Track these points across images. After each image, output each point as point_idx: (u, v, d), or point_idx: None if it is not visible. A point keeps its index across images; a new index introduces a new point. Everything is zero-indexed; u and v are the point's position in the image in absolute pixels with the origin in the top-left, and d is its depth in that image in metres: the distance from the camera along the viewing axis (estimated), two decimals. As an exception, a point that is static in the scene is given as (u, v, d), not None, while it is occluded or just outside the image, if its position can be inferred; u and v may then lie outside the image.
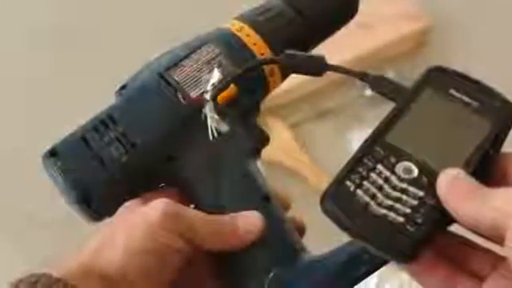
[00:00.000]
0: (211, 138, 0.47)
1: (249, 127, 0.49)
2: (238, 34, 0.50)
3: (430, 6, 1.15)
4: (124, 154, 0.46)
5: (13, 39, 1.21)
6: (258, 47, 0.50)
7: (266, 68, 0.50)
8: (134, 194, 0.47)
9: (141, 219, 0.42)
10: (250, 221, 0.45)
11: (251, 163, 0.48)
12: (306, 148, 1.05)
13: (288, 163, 1.03)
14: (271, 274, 0.44)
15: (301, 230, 0.50)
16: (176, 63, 0.49)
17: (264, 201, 0.47)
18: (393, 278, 0.90)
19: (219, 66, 0.48)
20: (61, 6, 1.23)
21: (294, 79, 1.21)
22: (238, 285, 0.46)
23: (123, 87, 0.49)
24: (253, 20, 0.51)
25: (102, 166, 0.46)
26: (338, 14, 0.53)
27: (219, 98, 0.47)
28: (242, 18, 0.51)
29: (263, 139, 0.50)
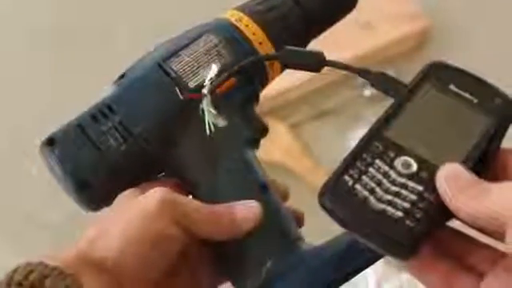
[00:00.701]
0: (208, 132, 0.47)
1: (247, 117, 0.49)
2: (237, 23, 0.50)
3: (430, 6, 1.15)
4: (122, 143, 0.46)
5: (13, 39, 1.21)
6: (257, 37, 0.50)
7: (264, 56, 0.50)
8: (132, 183, 0.47)
9: (137, 207, 0.42)
10: (247, 210, 0.45)
11: (249, 153, 0.48)
12: (307, 148, 1.05)
13: (288, 164, 1.03)
14: (268, 263, 0.44)
15: (299, 220, 0.50)
16: (174, 53, 0.49)
17: (262, 190, 0.47)
18: (393, 278, 0.90)
19: (218, 56, 0.49)
20: (61, 6, 1.23)
21: (295, 80, 1.21)
22: (235, 274, 0.46)
23: (121, 77, 0.49)
24: (251, 10, 0.51)
25: (100, 155, 0.46)
26: (336, 6, 0.53)
27: (228, 83, 0.47)
28: (240, 8, 0.51)
29: (262, 129, 0.50)
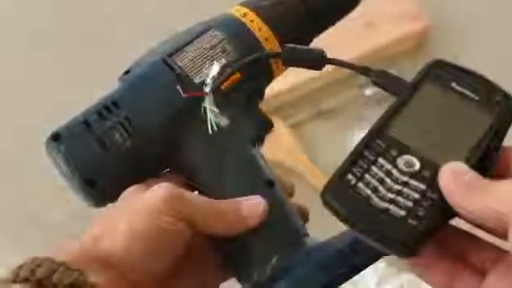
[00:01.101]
0: (210, 131, 0.47)
1: (252, 113, 0.49)
2: (243, 19, 0.50)
3: (430, 6, 1.15)
4: (127, 139, 0.46)
5: (13, 39, 1.21)
6: (262, 32, 0.50)
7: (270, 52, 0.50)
8: (138, 179, 0.47)
9: (143, 203, 0.42)
10: (253, 205, 0.45)
11: (254, 149, 0.48)
12: (307, 148, 1.05)
13: (288, 163, 1.03)
14: (274, 259, 0.44)
15: (304, 216, 0.50)
16: (179, 49, 0.49)
17: (267, 186, 0.47)
18: (393, 278, 0.90)
19: (223, 51, 0.48)
20: (61, 6, 1.23)
21: (295, 79, 1.20)
22: (240, 271, 0.46)
23: (126, 72, 0.49)
24: (257, 6, 0.51)
25: (106, 151, 0.46)
26: (340, 3, 0.53)
27: (233, 77, 0.48)
28: (245, 3, 0.51)
29: (267, 126, 0.50)
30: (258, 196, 0.46)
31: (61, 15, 1.23)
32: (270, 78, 0.51)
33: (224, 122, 0.47)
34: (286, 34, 0.50)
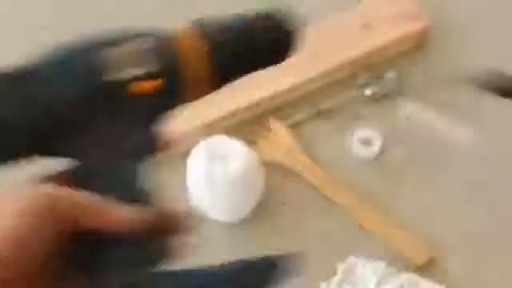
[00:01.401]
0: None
1: (150, 129, 0.49)
2: (180, 36, 0.50)
3: (430, 6, 1.15)
4: (25, 111, 0.46)
5: (13, 39, 1.21)
6: (195, 56, 0.50)
7: (191, 78, 0.50)
8: (29, 154, 0.48)
9: (15, 205, 0.43)
10: (133, 210, 0.46)
11: (140, 164, 0.48)
12: (307, 148, 1.06)
13: (288, 163, 1.03)
14: (136, 272, 0.45)
15: (173, 220, 0.49)
16: (107, 44, 0.49)
17: (143, 200, 0.47)
18: (393, 279, 0.90)
19: (145, 60, 0.49)
20: (61, 6, 1.24)
21: (294, 79, 1.20)
22: (99, 276, 0.46)
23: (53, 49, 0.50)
24: (206, 28, 0.51)
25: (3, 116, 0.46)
26: (281, 54, 0.53)
27: (147, 86, 0.48)
28: (196, 22, 0.52)
29: (155, 147, 0.50)
30: (139, 207, 0.46)
31: (61, 15, 1.23)
32: (178, 101, 0.51)
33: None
34: (221, 62, 0.50)
